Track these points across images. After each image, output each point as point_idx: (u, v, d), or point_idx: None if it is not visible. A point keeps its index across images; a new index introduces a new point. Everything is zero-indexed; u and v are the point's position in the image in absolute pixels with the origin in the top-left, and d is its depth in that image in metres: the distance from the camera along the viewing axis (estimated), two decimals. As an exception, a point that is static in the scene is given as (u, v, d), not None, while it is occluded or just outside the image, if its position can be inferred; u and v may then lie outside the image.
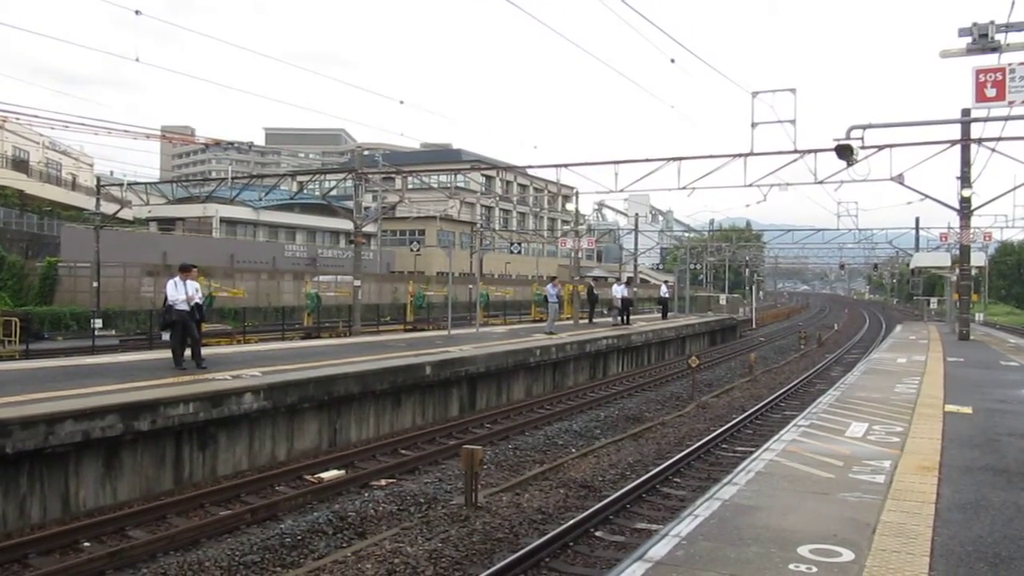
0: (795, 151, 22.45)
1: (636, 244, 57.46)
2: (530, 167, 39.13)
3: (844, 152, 18.86)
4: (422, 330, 34.08)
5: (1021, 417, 11.89)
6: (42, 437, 9.15)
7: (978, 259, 40.58)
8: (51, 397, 10.44)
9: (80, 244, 40.17)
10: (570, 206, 63.39)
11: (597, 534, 9.27)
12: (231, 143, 38.93)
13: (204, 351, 14.64)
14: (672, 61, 22.23)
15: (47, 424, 9.23)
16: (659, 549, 5.81)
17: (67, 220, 51.22)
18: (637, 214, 62.87)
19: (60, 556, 8.44)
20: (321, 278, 45.49)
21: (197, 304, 13.88)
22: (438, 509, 10.10)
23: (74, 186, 64.35)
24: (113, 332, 32.51)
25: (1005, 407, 12.93)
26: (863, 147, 19.75)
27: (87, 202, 52.39)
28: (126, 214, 48.15)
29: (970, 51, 11.06)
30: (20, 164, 57.39)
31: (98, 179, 52.10)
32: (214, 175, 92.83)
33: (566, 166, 27.17)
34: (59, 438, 9.33)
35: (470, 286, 47.86)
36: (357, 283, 29.82)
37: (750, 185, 24.46)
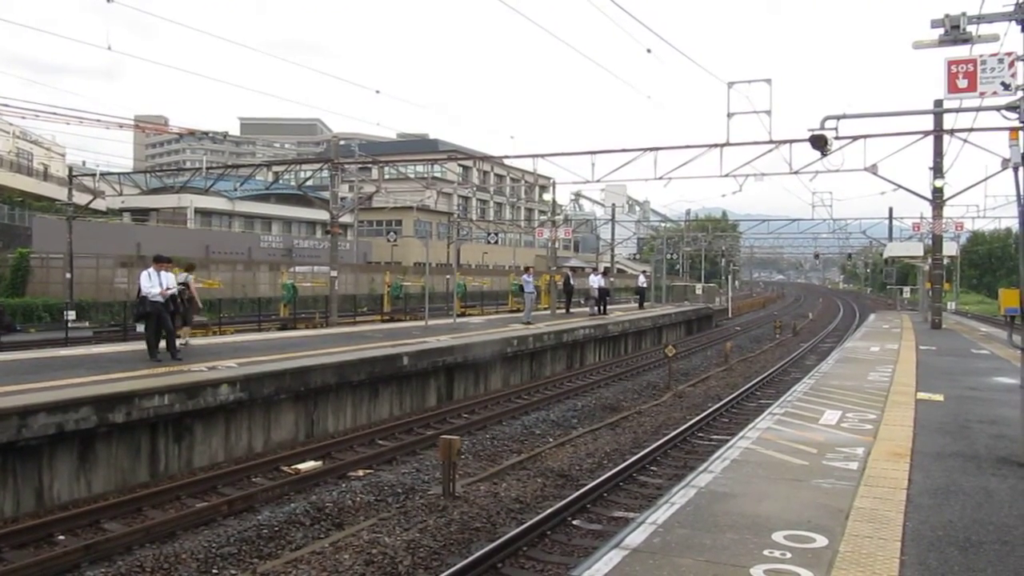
0: (770, 141, 22.57)
1: (613, 234, 57.53)
2: (507, 157, 39.04)
3: (818, 142, 18.93)
4: (399, 320, 33.99)
5: (991, 404, 12.08)
6: (15, 430, 9.05)
7: (950, 249, 40.99)
8: (24, 389, 10.33)
9: (52, 235, 39.64)
10: (547, 196, 63.40)
11: (574, 523, 9.32)
12: (205, 133, 38.55)
13: (179, 342, 14.54)
14: (648, 51, 22.23)
15: (20, 417, 9.13)
16: (636, 537, 5.86)
17: (39, 211, 50.50)
18: (614, 204, 62.91)
19: (34, 549, 8.36)
20: (297, 269, 45.20)
21: (172, 295, 13.80)
22: (416, 499, 10.11)
23: (45, 176, 63.53)
24: (87, 324, 32.14)
25: (976, 394, 13.13)
26: (837, 137, 19.81)
27: (59, 192, 51.68)
28: (99, 205, 47.53)
29: (942, 42, 11.14)
30: (-10, 154, 56.57)
31: (70, 169, 51.37)
32: (188, 165, 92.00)
33: (543, 156, 27.18)
34: (32, 431, 9.23)
35: (447, 276, 47.75)
36: (334, 273, 29.66)
37: (726, 175, 24.56)
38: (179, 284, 15.64)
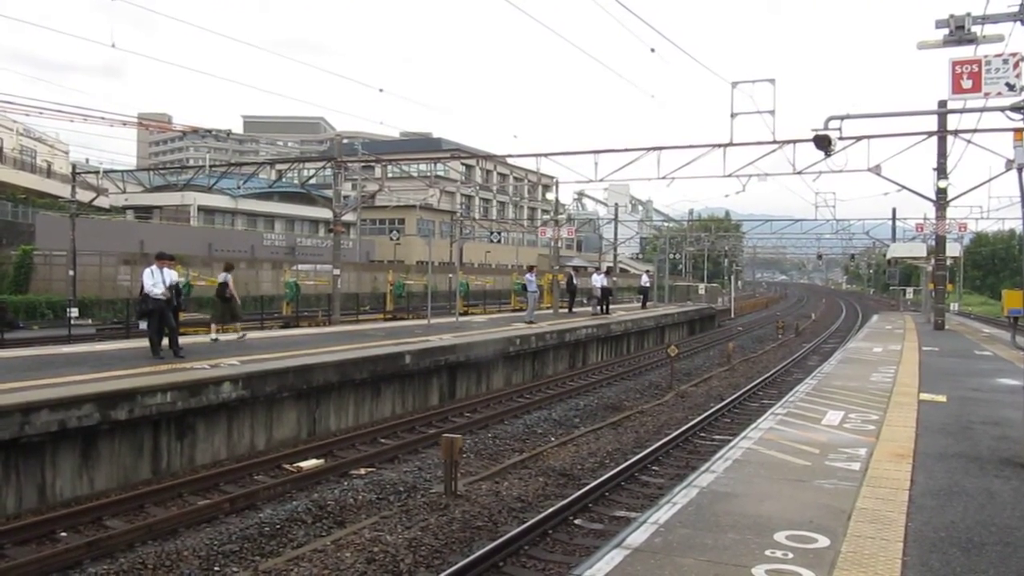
0: (774, 141, 22.52)
1: (616, 234, 57.48)
2: (510, 156, 39.06)
3: (822, 143, 18.92)
4: (402, 319, 34.01)
5: (994, 405, 12.05)
6: (18, 427, 9.07)
7: (953, 250, 40.92)
8: (27, 386, 10.34)
9: (56, 232, 39.68)
10: (550, 195, 63.38)
11: (576, 522, 9.32)
12: (209, 131, 38.50)
13: (182, 340, 14.56)
14: (652, 51, 22.22)
15: (23, 414, 9.14)
16: (637, 536, 5.86)
17: (42, 208, 50.56)
18: (617, 204, 62.92)
19: (37, 546, 8.38)
20: (300, 267, 45.23)
21: (177, 289, 13.82)
22: (418, 497, 10.12)
23: (49, 173, 63.57)
24: (90, 321, 32.20)
25: (979, 395, 13.11)
26: (841, 138, 19.81)
27: (62, 190, 51.73)
28: (102, 202, 47.53)
29: (947, 43, 11.13)
30: (-7, 151, 56.60)
31: (73, 166, 51.45)
32: (192, 163, 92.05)
33: (546, 155, 27.14)
34: (35, 428, 9.25)
35: (450, 275, 47.79)
36: (336, 272, 29.67)
37: (729, 175, 24.54)
38: (220, 283, 17.53)
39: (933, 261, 31.67)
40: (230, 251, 49.68)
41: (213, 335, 17.57)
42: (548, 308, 35.22)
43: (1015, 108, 11.40)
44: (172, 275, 13.89)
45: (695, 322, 42.83)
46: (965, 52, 11.69)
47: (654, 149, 24.84)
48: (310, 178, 42.65)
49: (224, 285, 17.35)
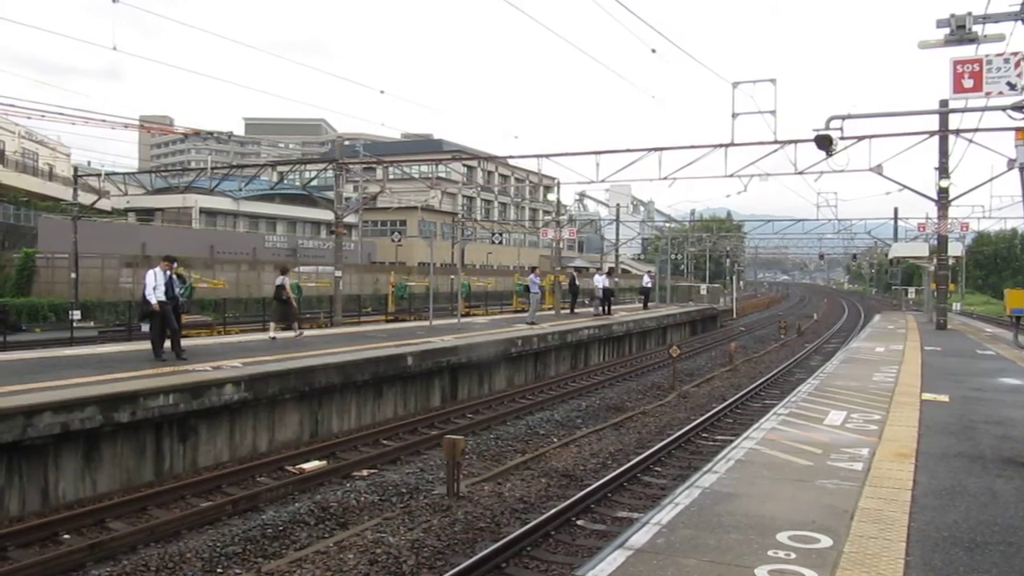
0: (775, 142, 22.53)
1: (617, 234, 57.47)
2: (511, 157, 39.06)
3: (823, 143, 18.92)
4: (403, 321, 34.00)
5: (997, 405, 12.04)
6: (20, 429, 9.08)
7: (955, 249, 40.93)
8: (29, 389, 10.36)
9: (58, 235, 39.72)
10: (551, 196, 63.39)
11: (579, 523, 9.32)
12: (210, 133, 38.55)
13: (184, 342, 14.58)
14: (653, 51, 22.22)
15: (25, 416, 9.15)
16: (640, 537, 5.85)
17: (44, 211, 50.60)
18: (618, 204, 62.87)
19: (40, 548, 8.39)
20: (302, 269, 45.19)
21: (174, 296, 13.85)
22: (420, 499, 10.12)
23: (51, 176, 63.60)
24: (92, 323, 32.23)
25: (981, 395, 13.10)
26: (842, 138, 19.81)
27: (64, 192, 51.77)
28: (104, 205, 47.61)
29: (948, 42, 11.13)
30: (-5, 154, 56.64)
31: (75, 169, 51.41)
32: (193, 165, 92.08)
33: (547, 156, 27.16)
34: (38, 430, 9.26)
35: (452, 276, 47.75)
36: (338, 274, 29.71)
37: (731, 175, 24.57)
38: (276, 286, 18.39)
39: (935, 261, 31.66)
40: (232, 253, 49.73)
41: (271, 333, 18.84)
42: (550, 309, 35.21)
43: (1016, 107, 11.40)
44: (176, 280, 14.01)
45: (697, 322, 42.80)
46: (966, 51, 11.69)
47: (655, 150, 24.87)
48: (312, 180, 42.71)
49: (281, 288, 18.12)
